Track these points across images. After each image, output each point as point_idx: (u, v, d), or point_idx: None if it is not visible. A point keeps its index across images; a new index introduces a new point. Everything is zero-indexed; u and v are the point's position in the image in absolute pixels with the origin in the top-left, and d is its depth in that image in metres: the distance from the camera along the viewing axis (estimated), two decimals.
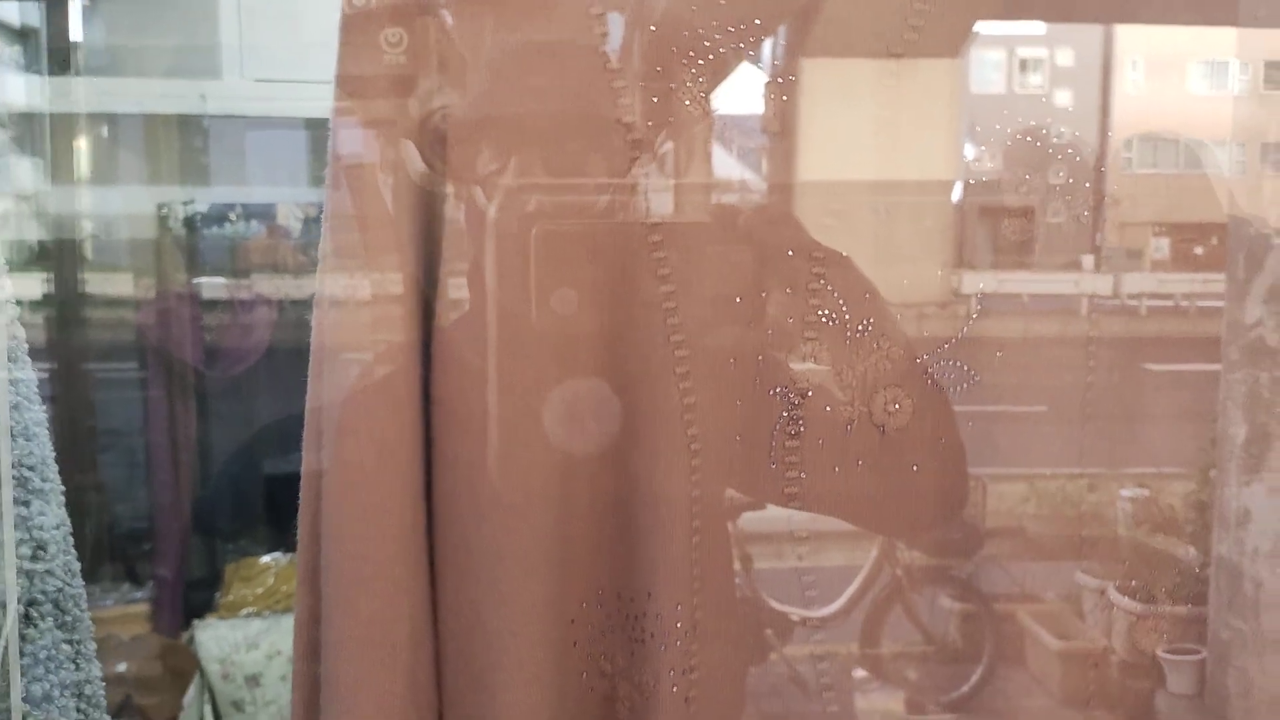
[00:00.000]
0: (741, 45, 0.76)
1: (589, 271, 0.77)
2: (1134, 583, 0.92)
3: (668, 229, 0.77)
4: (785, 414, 0.78)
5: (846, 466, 0.79)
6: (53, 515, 1.00)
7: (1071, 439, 0.89)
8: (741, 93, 0.79)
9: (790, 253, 0.78)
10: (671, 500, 0.77)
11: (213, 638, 1.90)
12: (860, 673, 0.97)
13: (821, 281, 0.78)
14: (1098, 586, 0.93)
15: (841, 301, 0.78)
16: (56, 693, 0.98)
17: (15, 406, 0.97)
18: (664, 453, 0.77)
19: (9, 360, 0.97)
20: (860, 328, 0.78)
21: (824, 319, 0.78)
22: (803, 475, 0.79)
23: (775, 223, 0.81)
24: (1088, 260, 0.94)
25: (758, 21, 0.76)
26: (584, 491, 0.78)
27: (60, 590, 0.99)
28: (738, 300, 0.78)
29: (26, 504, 0.97)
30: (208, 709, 1.89)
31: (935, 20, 0.77)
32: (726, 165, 0.81)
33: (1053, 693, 0.97)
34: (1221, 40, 1.08)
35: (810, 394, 0.78)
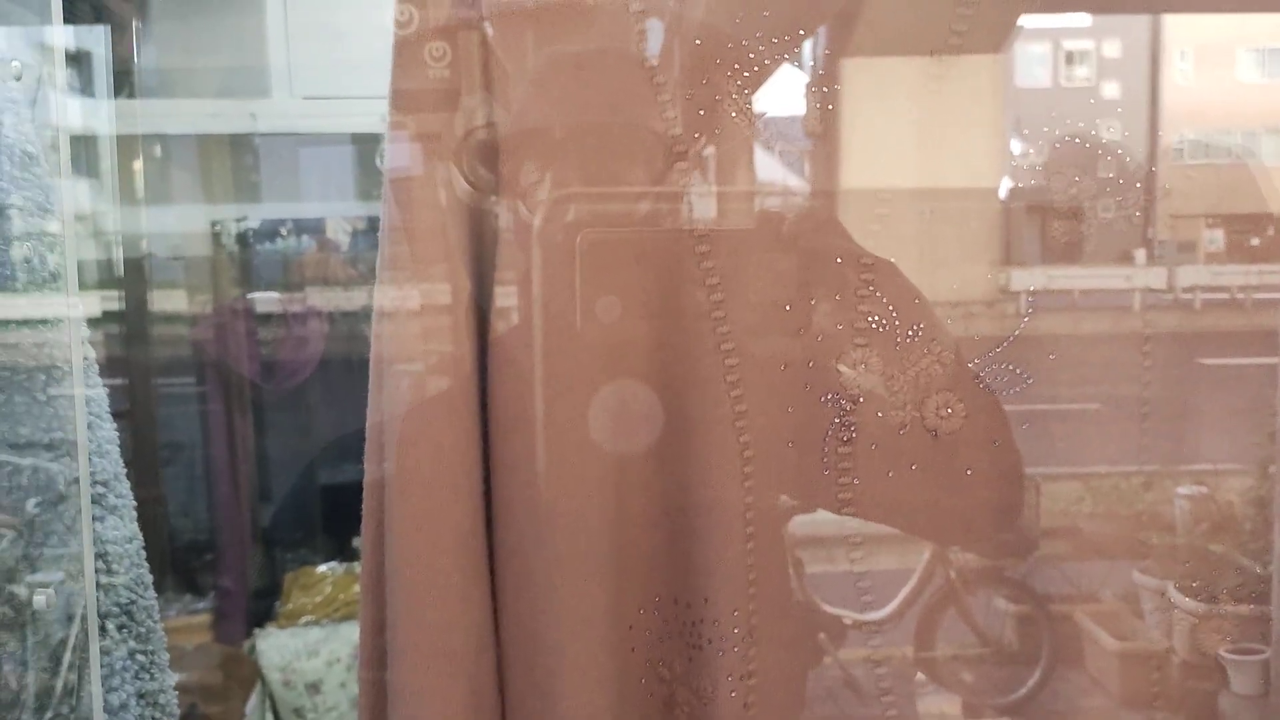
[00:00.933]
0: (785, 55, 0.76)
1: (638, 281, 0.78)
2: (1194, 582, 0.90)
3: (715, 237, 0.77)
4: (837, 420, 0.78)
5: (900, 471, 0.79)
6: (125, 530, 1.02)
7: (1126, 436, 0.87)
8: (785, 100, 0.79)
9: (839, 259, 0.79)
10: (726, 506, 0.77)
11: (273, 646, 1.93)
12: (913, 675, 0.96)
13: (870, 288, 0.78)
14: (1157, 586, 0.92)
15: (891, 307, 0.78)
16: (133, 702, 1.00)
17: (88, 425, 0.99)
18: (717, 459, 0.77)
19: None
20: (910, 332, 0.78)
21: (873, 324, 0.78)
22: (856, 481, 0.79)
23: (822, 229, 0.81)
24: (1140, 255, 0.92)
25: (801, 32, 0.76)
26: (639, 498, 0.79)
27: (133, 602, 1.02)
28: (787, 307, 0.78)
29: (100, 519, 1.00)
30: (270, 716, 1.92)
31: (979, 23, 0.77)
32: (772, 173, 0.81)
33: (1113, 694, 0.95)
34: (1272, 27, 1.06)
35: (862, 400, 0.78)
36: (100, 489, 1.00)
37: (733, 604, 0.77)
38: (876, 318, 0.78)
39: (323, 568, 2.07)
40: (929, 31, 0.77)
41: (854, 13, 0.79)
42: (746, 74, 0.75)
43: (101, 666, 0.98)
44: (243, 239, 2.26)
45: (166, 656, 1.06)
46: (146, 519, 1.08)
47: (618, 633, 0.79)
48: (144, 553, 1.06)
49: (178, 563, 2.12)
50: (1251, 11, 1.00)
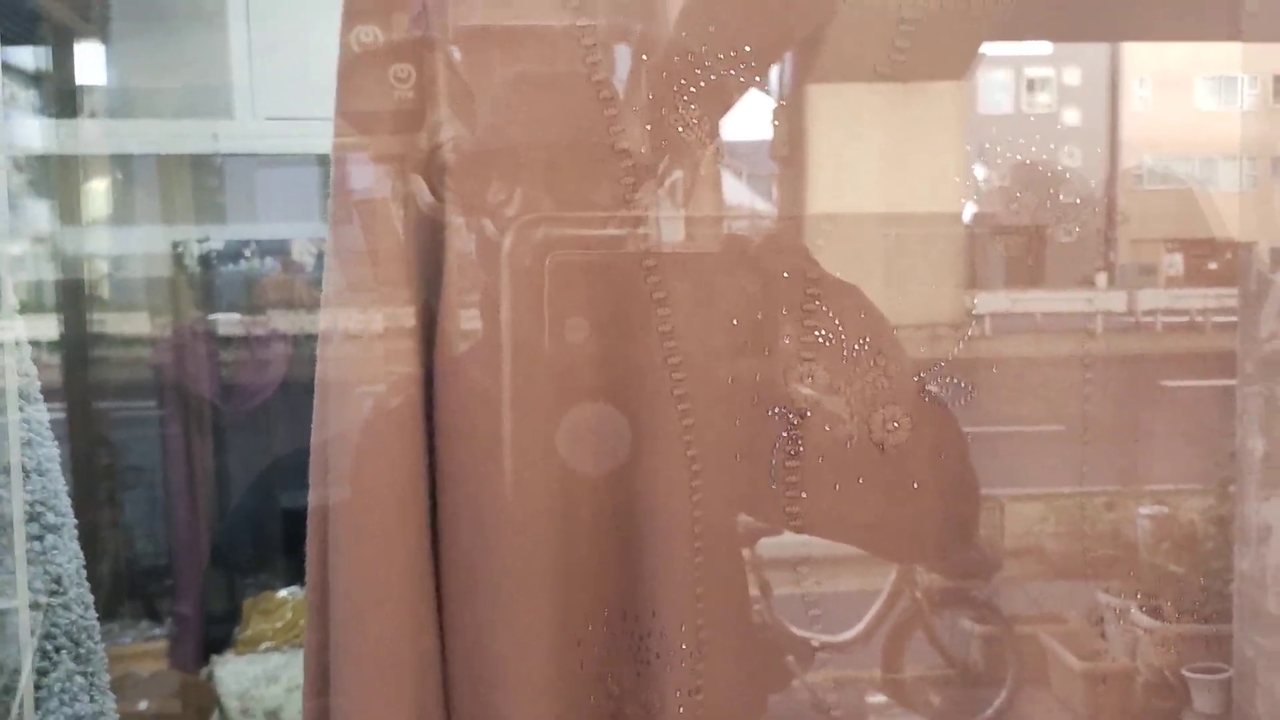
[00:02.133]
0: (733, 72, 0.77)
1: (588, 298, 0.78)
2: (1156, 601, 0.91)
3: (663, 254, 0.78)
4: (784, 434, 0.79)
5: (847, 484, 0.79)
6: (65, 550, 1.01)
7: (1087, 457, 0.88)
8: (737, 118, 0.80)
9: (785, 275, 0.79)
10: (673, 519, 0.78)
11: (231, 673, 1.90)
12: (879, 698, 0.96)
13: (817, 303, 0.79)
14: (1120, 605, 0.92)
15: (837, 321, 0.79)
16: None
17: (27, 443, 0.98)
18: (664, 473, 0.78)
19: (21, 398, 0.98)
20: (857, 346, 0.79)
21: (820, 339, 0.79)
22: (804, 494, 0.79)
23: (770, 246, 0.82)
24: (1101, 278, 0.93)
25: (748, 49, 0.77)
26: (588, 513, 0.79)
27: (74, 623, 1.00)
28: (734, 323, 0.79)
29: (40, 539, 0.98)
30: None
31: (922, 42, 0.78)
32: (720, 191, 0.81)
33: (1078, 714, 0.96)
34: (1228, 56, 1.08)
35: (809, 413, 0.79)
36: (39, 508, 0.99)
37: (680, 618, 0.77)
38: (823, 332, 0.79)
39: (283, 592, 2.03)
40: (870, 57, 0.79)
41: (800, 34, 0.80)
42: (694, 90, 0.76)
43: (40, 689, 0.96)
44: (205, 260, 2.23)
45: (108, 678, 1.04)
46: (101, 543, 1.06)
47: (565, 647, 0.79)
48: (84, 572, 1.04)
49: (135, 588, 2.08)
50: (1207, 40, 1.01)
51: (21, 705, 0.93)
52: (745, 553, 0.83)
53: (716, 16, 0.77)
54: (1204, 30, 0.98)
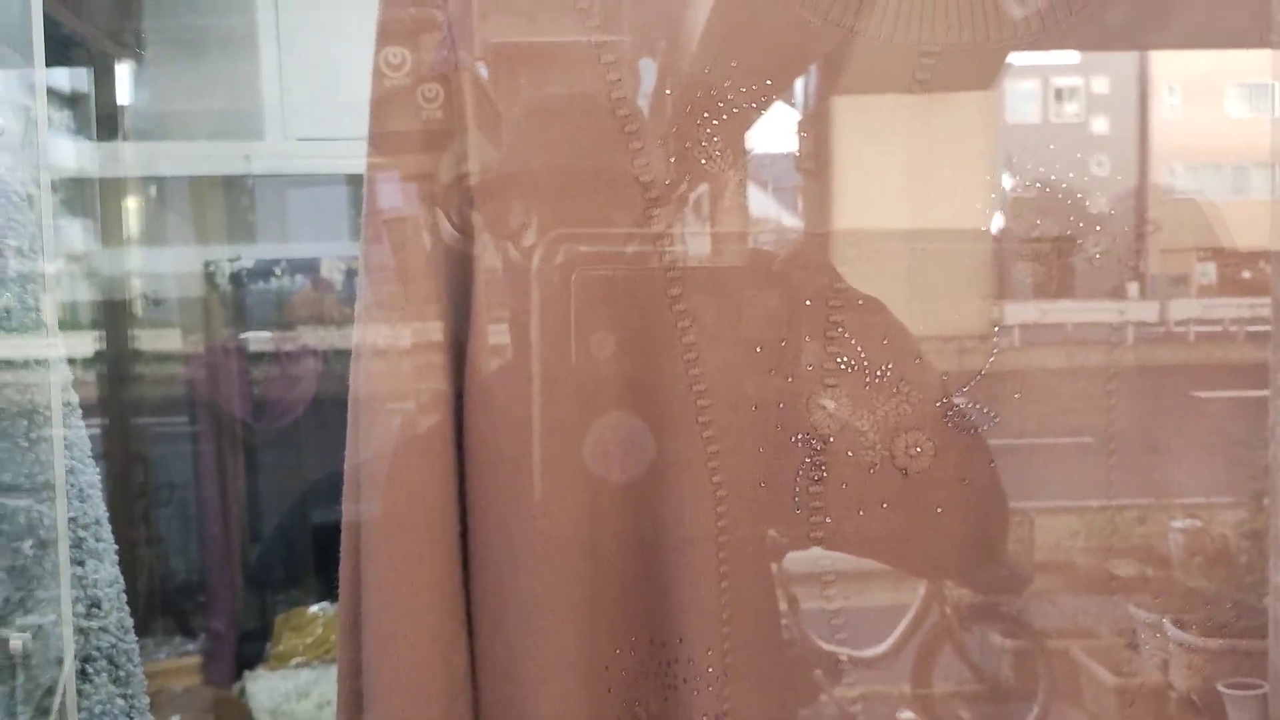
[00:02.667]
0: (755, 105, 0.77)
1: (613, 323, 0.79)
2: (1189, 616, 0.90)
3: (687, 280, 0.78)
4: (808, 459, 0.79)
5: (870, 510, 0.80)
6: (106, 573, 1.02)
7: (1119, 470, 0.87)
8: (758, 146, 0.80)
9: (808, 301, 0.80)
10: (699, 545, 0.78)
11: (264, 689, 1.91)
12: (909, 714, 0.95)
13: (839, 329, 0.79)
14: (1152, 620, 0.91)
15: (859, 347, 0.79)
16: None
17: (70, 470, 0.99)
18: (689, 498, 0.78)
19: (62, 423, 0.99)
20: (879, 372, 0.79)
21: (843, 365, 0.79)
22: (828, 520, 0.80)
23: (793, 271, 0.82)
24: (1132, 288, 0.93)
25: (769, 82, 0.77)
26: (614, 539, 0.79)
27: (114, 646, 1.01)
28: (758, 349, 0.79)
29: (81, 563, 1.00)
30: None
31: (942, 70, 0.78)
32: (743, 217, 0.82)
33: None
34: (1258, 62, 1.07)
35: (832, 439, 0.79)
36: (82, 533, 1.00)
37: (707, 643, 0.77)
38: (845, 358, 0.79)
39: (314, 609, 2.05)
40: (896, 76, 0.79)
41: (823, 63, 0.80)
42: (716, 122, 0.77)
43: (80, 711, 0.97)
44: (236, 279, 2.26)
45: (146, 701, 1.05)
46: (135, 560, 1.08)
47: (594, 672, 0.79)
48: (124, 596, 1.05)
49: (168, 605, 2.10)
50: (1238, 47, 1.01)
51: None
52: (773, 568, 0.83)
53: (737, 51, 0.77)
54: (1233, 38, 0.97)
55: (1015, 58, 0.83)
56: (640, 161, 0.77)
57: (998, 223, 0.84)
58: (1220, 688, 0.91)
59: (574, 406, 0.78)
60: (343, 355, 2.15)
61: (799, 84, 0.81)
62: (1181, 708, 0.92)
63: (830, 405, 0.79)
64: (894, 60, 0.79)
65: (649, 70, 0.78)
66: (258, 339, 2.20)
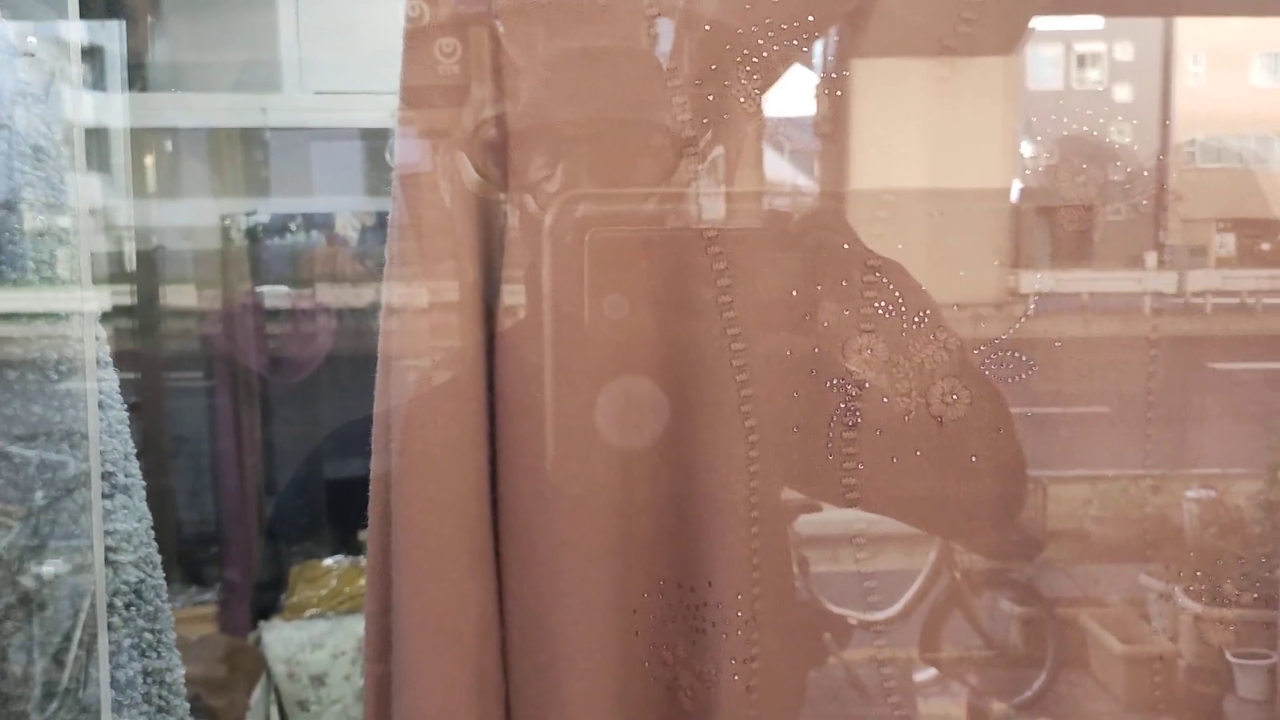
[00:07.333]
0: (794, 43, 0.76)
1: (647, 272, 0.78)
2: (1201, 585, 0.90)
3: (723, 227, 0.78)
4: (842, 405, 0.79)
5: (904, 457, 0.79)
6: (134, 510, 1.03)
7: (1134, 439, 0.87)
8: (795, 93, 0.79)
9: (845, 246, 0.79)
10: (730, 491, 0.78)
11: (278, 639, 1.94)
12: (922, 676, 0.96)
13: (877, 274, 0.78)
14: (1163, 589, 0.92)
15: (897, 293, 0.78)
16: (139, 679, 1.01)
17: (100, 406, 1.00)
18: (722, 443, 0.78)
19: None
20: (916, 319, 0.79)
21: (879, 310, 0.78)
22: (860, 466, 0.79)
23: (830, 220, 0.82)
24: (1150, 258, 0.92)
25: (810, 18, 0.76)
26: (645, 484, 0.80)
27: (142, 581, 1.03)
28: (793, 294, 0.79)
29: (110, 498, 1.01)
30: (274, 709, 1.92)
31: (985, 20, 0.77)
32: (780, 164, 0.81)
33: (1118, 697, 0.95)
34: None
35: (867, 385, 0.79)
36: (110, 468, 1.01)
37: (736, 588, 0.78)
38: (882, 304, 0.78)
39: (328, 561, 2.07)
40: (935, 29, 0.77)
41: (863, 7, 0.79)
42: (756, 60, 0.76)
43: (110, 644, 0.99)
44: (252, 233, 2.26)
45: (174, 635, 1.07)
46: (154, 510, 1.09)
47: (621, 616, 0.80)
48: (153, 532, 1.06)
49: (184, 554, 2.12)
50: (1266, 16, 0.99)
51: (96, 663, 0.96)
52: (795, 528, 0.83)
53: None
54: (1261, 5, 0.96)
55: (1038, 21, 0.82)
56: (679, 107, 0.76)
57: (1020, 186, 0.84)
58: (1229, 657, 0.92)
59: (604, 356, 0.79)
60: (357, 312, 2.15)
61: (840, 28, 0.80)
62: (1190, 675, 0.93)
63: (867, 350, 0.78)
64: (936, 8, 0.78)
65: (690, 14, 0.77)
66: (274, 294, 2.20)
